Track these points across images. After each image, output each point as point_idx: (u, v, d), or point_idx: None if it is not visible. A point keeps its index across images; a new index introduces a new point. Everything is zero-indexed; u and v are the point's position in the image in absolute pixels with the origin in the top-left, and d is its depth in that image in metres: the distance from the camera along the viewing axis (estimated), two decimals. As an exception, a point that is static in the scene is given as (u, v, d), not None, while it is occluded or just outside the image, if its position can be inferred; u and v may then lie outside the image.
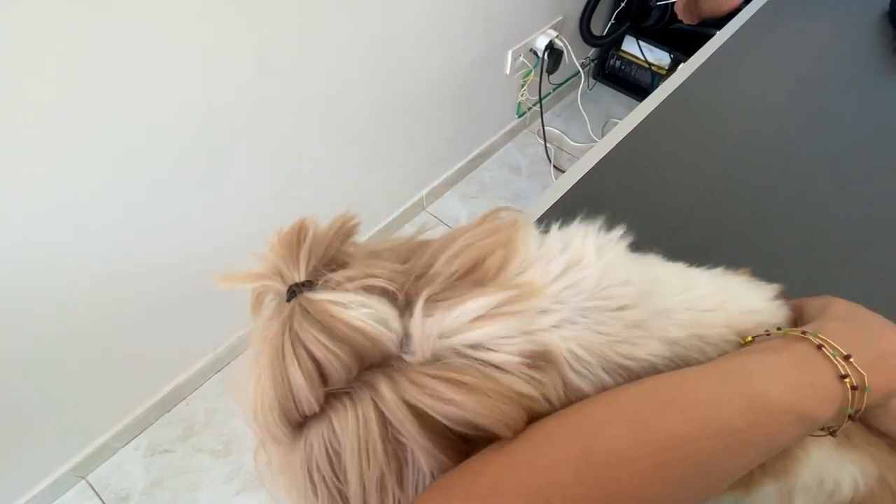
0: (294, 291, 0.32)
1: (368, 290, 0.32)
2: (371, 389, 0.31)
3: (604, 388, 0.33)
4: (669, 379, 0.33)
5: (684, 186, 0.77)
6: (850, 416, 0.34)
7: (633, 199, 0.75)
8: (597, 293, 0.34)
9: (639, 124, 0.84)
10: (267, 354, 0.30)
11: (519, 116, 1.99)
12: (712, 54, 0.97)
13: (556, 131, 2.07)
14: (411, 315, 0.32)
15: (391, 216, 1.71)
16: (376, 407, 0.30)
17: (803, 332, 0.35)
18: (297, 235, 0.35)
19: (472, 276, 0.33)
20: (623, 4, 1.90)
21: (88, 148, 0.86)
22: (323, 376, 0.30)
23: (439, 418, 0.30)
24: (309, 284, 0.32)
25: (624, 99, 2.19)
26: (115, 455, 1.34)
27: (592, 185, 0.75)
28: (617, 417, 0.30)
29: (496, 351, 0.31)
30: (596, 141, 2.02)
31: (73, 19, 0.73)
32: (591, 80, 2.23)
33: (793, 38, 1.04)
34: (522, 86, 1.87)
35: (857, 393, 0.33)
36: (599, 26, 1.98)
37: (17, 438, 1.12)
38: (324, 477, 0.31)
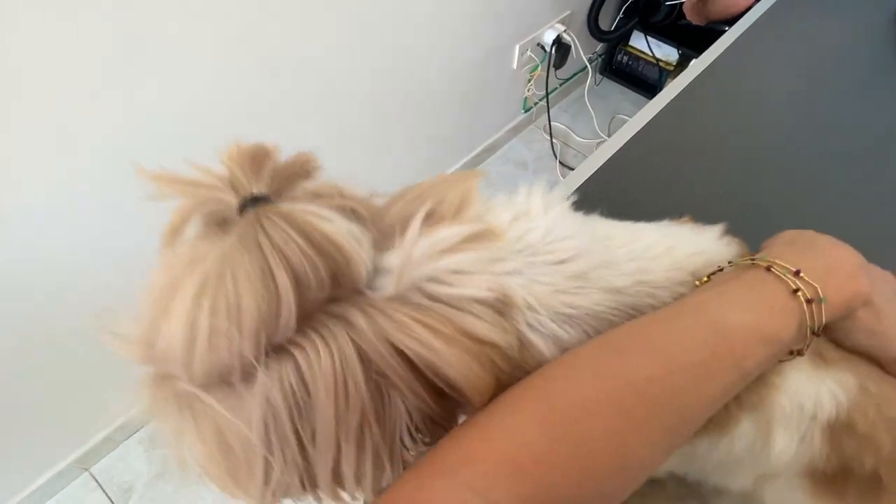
0: (254, 201, 0.28)
1: (340, 209, 0.29)
2: (344, 323, 0.27)
3: (557, 342, 0.33)
4: (629, 328, 0.33)
5: (695, 183, 0.77)
6: (813, 332, 0.34)
7: (642, 197, 0.75)
8: (540, 247, 0.34)
9: (649, 122, 0.83)
10: (233, 261, 0.25)
11: (525, 111, 1.98)
12: (723, 52, 0.96)
13: (563, 127, 2.05)
14: (381, 249, 0.29)
15: (396, 211, 1.69)
16: (353, 341, 0.27)
17: (752, 260, 0.35)
18: (261, 151, 0.31)
19: (430, 220, 0.31)
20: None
21: (85, 147, 0.85)
22: (297, 284, 0.26)
23: (416, 362, 0.28)
24: (269, 199, 0.28)
25: (631, 95, 2.17)
26: (117, 448, 1.35)
27: (601, 183, 0.75)
28: (579, 372, 0.30)
29: (464, 286, 0.29)
30: (602, 137, 2.01)
31: (71, 15, 0.73)
32: (599, 76, 2.21)
33: (804, 36, 1.02)
34: (529, 80, 1.85)
35: (813, 306, 0.33)
36: (607, 21, 1.96)
37: (21, 431, 1.12)
38: (284, 431, 0.27)
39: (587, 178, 0.75)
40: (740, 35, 1.00)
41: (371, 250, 0.28)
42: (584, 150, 2.02)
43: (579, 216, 0.38)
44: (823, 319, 0.34)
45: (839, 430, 0.39)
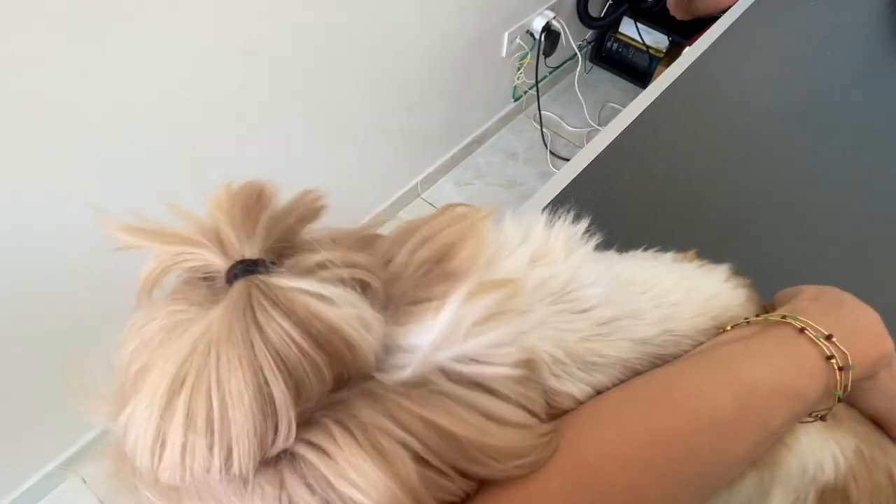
0: (245, 270, 0.24)
1: (347, 283, 0.25)
2: (348, 414, 0.23)
3: (589, 384, 0.32)
4: (654, 377, 0.32)
5: (693, 176, 0.75)
6: (839, 398, 0.34)
7: (637, 190, 0.73)
8: (563, 295, 0.32)
9: (643, 111, 0.81)
10: (218, 360, 0.21)
11: (515, 100, 1.96)
12: (714, 41, 0.95)
13: (553, 116, 2.03)
14: (393, 322, 0.26)
15: (385, 203, 1.68)
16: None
17: (783, 317, 0.35)
18: (257, 198, 0.26)
19: (442, 269, 0.28)
20: (621, -15, 1.86)
21: (60, 142, 0.82)
22: (297, 392, 0.22)
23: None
24: (262, 265, 0.24)
25: (621, 83, 2.15)
26: (107, 449, 1.33)
27: (595, 177, 0.73)
28: (605, 422, 0.29)
29: (491, 364, 0.26)
30: (593, 126, 1.99)
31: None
32: (588, 64, 2.19)
33: (795, 24, 1.01)
34: (518, 69, 1.83)
35: (843, 372, 0.33)
36: (597, 8, 1.94)
37: (8, 433, 1.10)
38: None
39: (579, 172, 0.73)
40: (731, 24, 0.98)
41: (381, 331, 0.25)
42: (574, 140, 2.00)
43: (601, 259, 0.37)
44: (850, 386, 0.33)
45: (831, 494, 0.39)
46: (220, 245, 0.25)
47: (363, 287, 0.25)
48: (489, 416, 0.25)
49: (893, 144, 0.81)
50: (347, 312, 0.23)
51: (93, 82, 0.80)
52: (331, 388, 0.23)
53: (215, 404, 0.21)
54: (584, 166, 0.74)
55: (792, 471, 0.37)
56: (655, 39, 1.98)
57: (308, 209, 0.28)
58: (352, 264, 0.25)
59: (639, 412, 0.29)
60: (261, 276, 0.23)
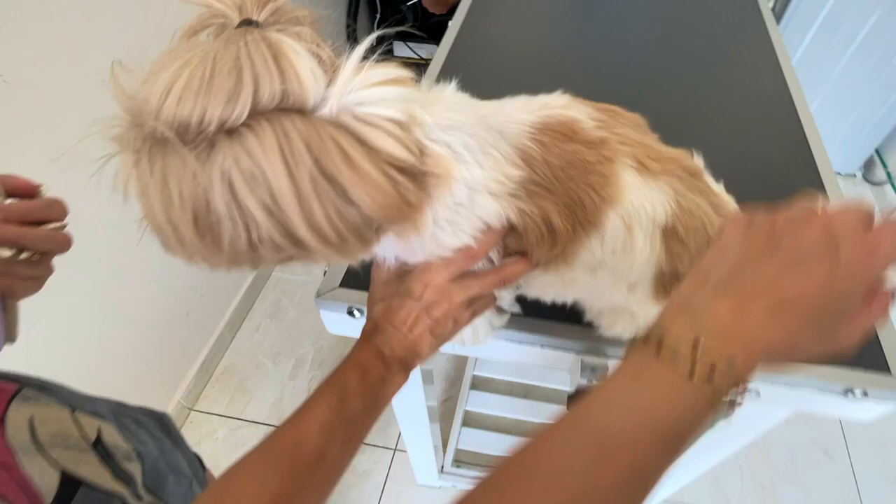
0: (247, 23, 0.35)
1: (313, 53, 0.36)
2: (288, 118, 0.34)
3: (448, 146, 0.42)
4: (525, 453, 0.33)
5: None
6: (732, 401, 0.32)
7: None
8: (424, 98, 0.43)
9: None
10: (215, 54, 0.32)
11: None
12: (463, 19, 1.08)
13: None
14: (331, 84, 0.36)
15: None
16: (295, 126, 0.34)
17: (646, 339, 0.33)
18: None
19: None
20: (378, 16, 2.03)
21: None
22: (256, 88, 0.32)
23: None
24: (261, 25, 0.36)
25: (418, 98, 2.31)
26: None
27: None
28: (561, 473, 0.31)
29: (384, 108, 0.37)
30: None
31: None
32: (382, 93, 2.32)
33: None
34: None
35: (716, 373, 0.30)
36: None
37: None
38: (242, 200, 0.33)
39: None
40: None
41: (323, 84, 0.36)
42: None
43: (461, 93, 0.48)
44: (747, 374, 0.31)
45: (669, 235, 0.46)
46: (241, 10, 0.37)
47: (320, 59, 0.36)
48: (372, 157, 0.36)
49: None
50: (306, 62, 0.34)
51: None
52: (278, 104, 0.34)
53: (206, 76, 0.32)
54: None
55: (636, 206, 0.45)
56: (429, 51, 2.17)
57: (307, 19, 0.39)
58: (319, 46, 0.37)
59: (593, 465, 0.30)
60: (259, 29, 0.35)
